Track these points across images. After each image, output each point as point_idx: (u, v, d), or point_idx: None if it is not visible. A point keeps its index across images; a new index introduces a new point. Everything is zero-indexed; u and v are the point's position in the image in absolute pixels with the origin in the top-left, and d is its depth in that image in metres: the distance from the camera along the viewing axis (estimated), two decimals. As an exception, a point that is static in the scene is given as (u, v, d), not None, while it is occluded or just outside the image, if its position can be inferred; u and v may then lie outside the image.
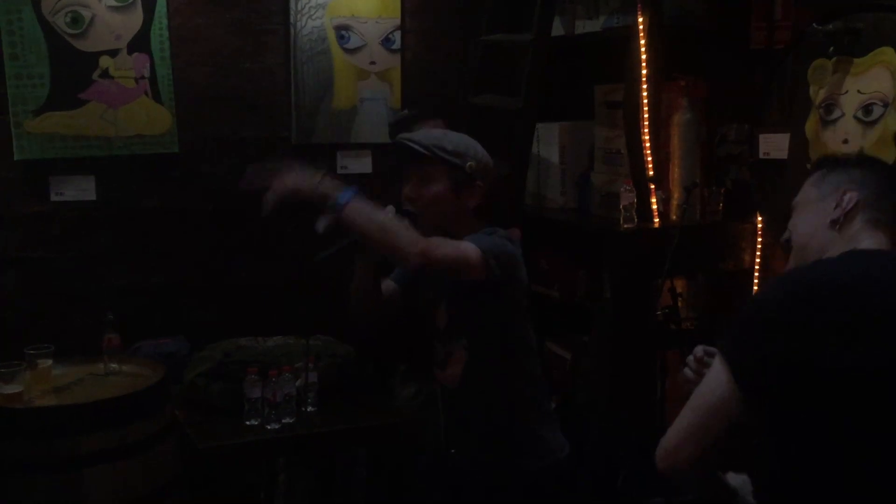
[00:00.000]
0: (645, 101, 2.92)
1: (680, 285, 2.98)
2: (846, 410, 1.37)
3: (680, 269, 2.82)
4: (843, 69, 2.59)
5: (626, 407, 2.91)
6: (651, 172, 2.96)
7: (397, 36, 3.54)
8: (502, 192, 2.75)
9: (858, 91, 2.55)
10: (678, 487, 1.54)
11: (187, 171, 3.33)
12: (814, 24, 2.64)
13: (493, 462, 2.07)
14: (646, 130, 2.95)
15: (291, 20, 3.39)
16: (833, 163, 1.66)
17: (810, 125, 2.70)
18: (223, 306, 3.36)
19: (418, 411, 2.78)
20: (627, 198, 2.93)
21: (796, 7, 2.79)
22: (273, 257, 3.46)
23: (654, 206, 2.96)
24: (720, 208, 3.00)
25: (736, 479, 1.62)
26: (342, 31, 3.47)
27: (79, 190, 3.19)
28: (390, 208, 2.02)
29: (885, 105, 2.48)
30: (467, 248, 1.93)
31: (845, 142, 2.59)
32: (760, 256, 2.92)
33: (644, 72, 2.91)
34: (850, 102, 2.58)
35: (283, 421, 2.65)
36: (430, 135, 2.08)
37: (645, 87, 2.91)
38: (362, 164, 3.58)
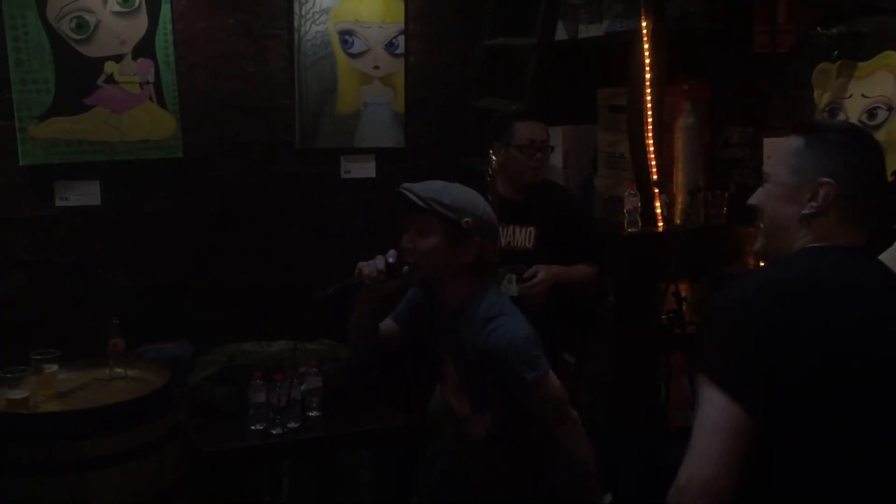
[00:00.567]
0: (648, 104, 2.92)
1: (684, 289, 2.99)
2: (830, 408, 1.35)
3: (684, 272, 2.82)
4: (847, 73, 2.59)
5: (631, 410, 2.90)
6: (655, 176, 2.96)
7: (401, 40, 3.55)
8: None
9: (862, 95, 2.55)
10: None
11: (191, 175, 3.33)
12: (817, 28, 2.64)
13: (510, 483, 2.08)
14: (649, 134, 2.94)
15: (295, 25, 3.39)
16: (815, 136, 1.52)
17: (814, 129, 2.69)
18: (227, 310, 3.36)
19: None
20: (631, 202, 2.93)
21: (800, 10, 2.79)
22: (278, 261, 3.46)
23: (658, 210, 2.96)
24: (724, 212, 3.00)
25: None
26: (346, 35, 3.48)
27: (83, 194, 3.20)
28: (392, 252, 2.03)
29: (890, 109, 2.48)
30: (547, 380, 1.99)
31: (849, 145, 2.59)
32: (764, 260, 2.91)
33: (647, 75, 2.91)
34: (854, 106, 2.58)
35: (288, 425, 2.66)
36: (431, 187, 2.06)
37: (648, 90, 2.91)
38: (366, 169, 3.59)
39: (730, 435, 1.32)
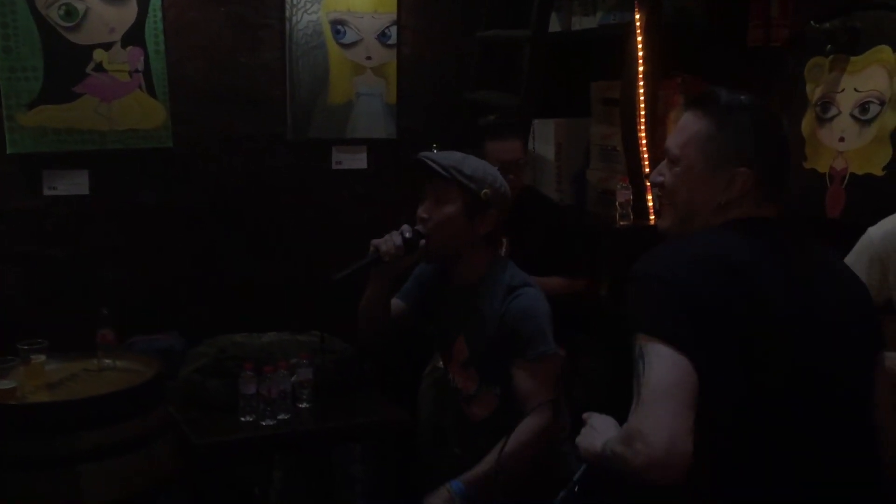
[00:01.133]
0: (642, 98, 2.92)
1: (676, 282, 2.98)
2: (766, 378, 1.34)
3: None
4: (840, 67, 2.60)
5: (624, 405, 2.91)
6: (647, 170, 2.97)
7: (393, 31, 3.53)
8: None
9: (855, 89, 2.56)
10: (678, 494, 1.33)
11: (182, 165, 3.31)
12: (811, 22, 2.65)
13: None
14: (642, 128, 2.95)
15: (287, 14, 3.37)
16: (723, 118, 1.47)
17: (807, 123, 2.70)
18: (218, 302, 3.34)
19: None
20: (624, 195, 2.93)
21: (794, 5, 2.79)
22: (268, 252, 3.45)
23: (651, 204, 2.97)
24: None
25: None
26: (338, 25, 3.46)
27: (72, 184, 3.17)
28: (406, 227, 2.02)
29: (882, 103, 2.49)
30: (550, 364, 2.00)
31: (842, 140, 2.60)
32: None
33: (641, 69, 2.91)
34: (846, 101, 2.58)
35: (279, 417, 2.65)
36: (451, 156, 2.07)
37: (642, 84, 2.92)
38: (357, 160, 3.57)
39: (686, 392, 1.28)
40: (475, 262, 2.07)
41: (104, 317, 2.71)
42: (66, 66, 3.08)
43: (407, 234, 2.01)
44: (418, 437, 2.91)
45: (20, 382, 2.45)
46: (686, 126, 1.52)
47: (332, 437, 2.80)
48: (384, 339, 2.20)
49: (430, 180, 2.03)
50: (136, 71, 3.18)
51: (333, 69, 3.47)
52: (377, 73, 3.54)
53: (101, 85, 3.14)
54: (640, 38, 2.90)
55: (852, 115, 2.56)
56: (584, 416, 1.58)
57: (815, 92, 2.68)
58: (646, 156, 2.97)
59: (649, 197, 2.97)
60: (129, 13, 3.14)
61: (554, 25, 3.33)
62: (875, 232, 2.02)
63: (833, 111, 2.62)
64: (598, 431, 1.49)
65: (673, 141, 1.54)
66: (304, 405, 2.73)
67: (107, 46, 3.13)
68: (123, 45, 3.15)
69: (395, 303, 2.19)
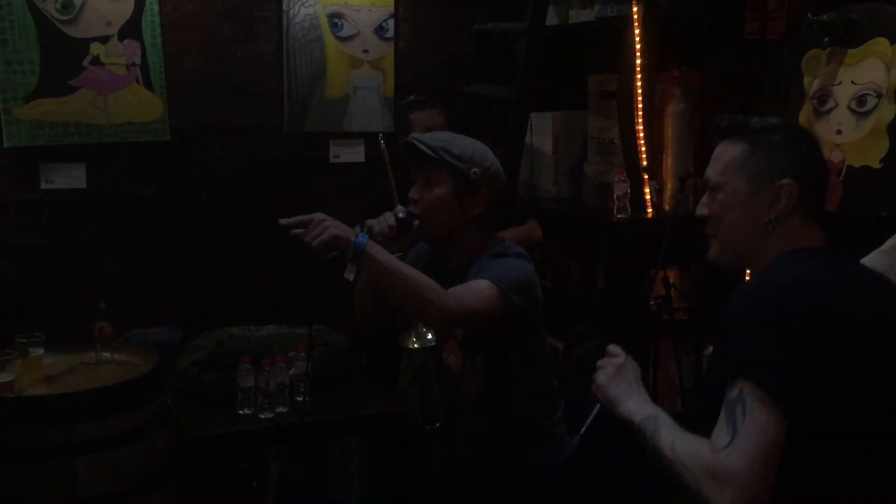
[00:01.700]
0: (639, 90, 2.92)
1: (673, 275, 3.00)
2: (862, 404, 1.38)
3: (673, 259, 2.82)
4: (837, 60, 2.60)
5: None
6: (645, 162, 2.97)
7: (391, 24, 3.52)
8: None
9: (852, 82, 2.56)
10: None
11: (179, 159, 3.30)
12: (808, 15, 2.64)
13: (510, 456, 2.09)
14: (640, 120, 2.95)
15: (284, 7, 3.36)
16: (756, 139, 1.51)
17: (804, 116, 2.70)
18: (215, 295, 3.35)
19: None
20: (621, 188, 2.93)
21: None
22: (265, 245, 3.44)
23: (648, 196, 2.97)
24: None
25: None
26: (335, 18, 3.45)
27: (69, 177, 3.17)
28: (400, 208, 2.02)
29: (879, 96, 2.49)
30: (488, 291, 1.91)
31: (839, 132, 2.60)
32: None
33: (638, 62, 2.91)
34: (843, 93, 2.58)
35: (276, 410, 2.65)
36: (439, 137, 2.07)
37: (639, 76, 2.91)
38: (355, 154, 3.57)
39: (778, 453, 1.32)
40: (469, 244, 2.07)
41: (101, 310, 2.71)
42: (62, 59, 3.08)
43: (400, 215, 2.00)
44: (410, 429, 2.91)
45: (18, 375, 2.45)
46: (722, 154, 1.54)
47: (329, 429, 2.80)
48: (381, 326, 2.19)
49: (419, 163, 2.03)
50: (133, 64, 3.17)
51: (330, 62, 3.46)
52: (374, 66, 3.53)
53: (98, 78, 3.13)
54: (637, 31, 2.89)
55: (849, 108, 2.57)
56: (612, 348, 1.60)
57: (812, 84, 2.68)
58: (643, 149, 2.97)
59: (646, 190, 2.97)
60: (126, 6, 3.14)
61: (551, 18, 3.33)
62: None
63: (830, 104, 2.62)
64: (623, 388, 1.52)
65: (711, 171, 1.56)
66: (302, 398, 2.73)
67: (104, 40, 3.12)
68: (120, 39, 3.14)
69: None
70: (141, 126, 3.21)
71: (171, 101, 3.24)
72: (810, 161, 1.51)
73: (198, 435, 2.55)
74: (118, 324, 2.81)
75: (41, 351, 2.54)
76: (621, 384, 1.54)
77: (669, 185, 3.03)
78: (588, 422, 1.58)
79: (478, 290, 1.92)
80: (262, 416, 2.62)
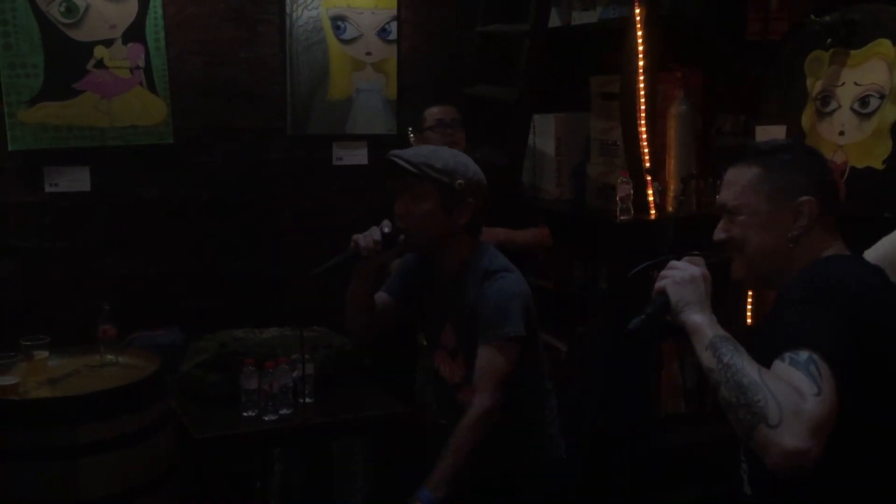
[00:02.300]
0: (641, 92, 2.91)
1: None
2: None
3: (676, 260, 2.81)
4: (840, 61, 2.59)
5: (621, 398, 2.91)
6: (647, 164, 2.96)
7: (393, 27, 3.53)
8: (502, 186, 2.76)
9: (855, 83, 2.56)
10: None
11: (182, 161, 3.31)
12: (811, 16, 2.64)
13: (503, 455, 2.09)
14: (642, 122, 2.94)
15: (287, 10, 3.37)
16: (769, 160, 1.55)
17: (806, 117, 2.70)
18: (219, 297, 3.35)
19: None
20: (624, 189, 2.93)
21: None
22: (269, 248, 3.45)
23: (651, 198, 2.96)
24: (716, 200, 3.00)
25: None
26: (338, 21, 3.46)
27: (73, 180, 3.18)
28: (386, 223, 2.03)
29: (882, 97, 2.49)
30: (507, 350, 1.97)
31: (841, 133, 2.60)
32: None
33: (640, 63, 2.90)
34: (846, 94, 2.58)
35: (280, 412, 2.66)
36: (420, 152, 2.08)
37: (641, 78, 2.91)
38: (358, 156, 3.58)
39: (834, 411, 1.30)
40: (458, 251, 2.08)
41: (105, 312, 2.72)
42: (66, 62, 3.09)
43: (386, 230, 2.02)
44: (426, 431, 2.91)
45: (23, 378, 2.46)
46: (736, 178, 1.57)
47: (332, 430, 2.80)
48: (371, 333, 2.20)
49: (401, 178, 2.03)
50: (137, 67, 3.18)
51: (333, 65, 3.47)
52: (377, 68, 3.54)
53: (102, 81, 3.14)
54: (639, 32, 2.89)
55: (852, 109, 2.56)
56: (677, 263, 1.58)
57: (814, 85, 2.68)
58: (646, 150, 2.96)
59: (649, 191, 2.97)
60: (130, 9, 3.15)
61: (553, 20, 3.33)
62: None
63: (833, 105, 2.62)
64: (696, 297, 1.49)
65: (726, 195, 1.58)
66: (305, 400, 2.74)
67: (107, 43, 3.13)
68: (124, 42, 3.15)
69: (381, 297, 2.20)
70: (144, 129, 3.22)
71: (175, 104, 3.25)
72: (822, 176, 1.55)
73: (201, 437, 2.56)
74: (122, 326, 2.82)
75: (45, 353, 2.55)
76: (694, 293, 1.50)
77: (672, 187, 3.02)
78: (652, 309, 1.53)
79: (494, 364, 1.97)
80: (266, 418, 2.63)
